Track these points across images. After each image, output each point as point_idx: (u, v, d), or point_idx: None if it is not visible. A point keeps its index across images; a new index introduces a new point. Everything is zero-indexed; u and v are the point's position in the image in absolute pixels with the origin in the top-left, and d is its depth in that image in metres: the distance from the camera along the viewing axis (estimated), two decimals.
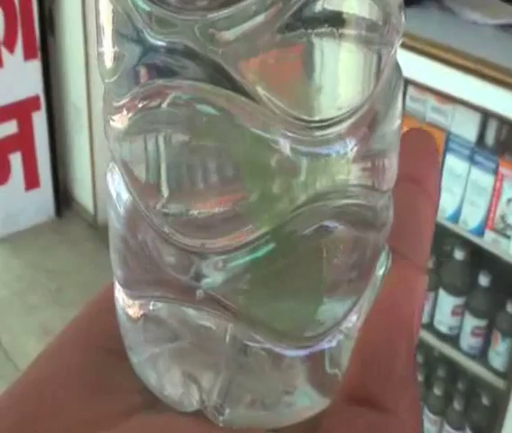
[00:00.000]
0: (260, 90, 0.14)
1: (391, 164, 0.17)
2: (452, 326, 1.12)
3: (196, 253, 0.16)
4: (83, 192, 1.76)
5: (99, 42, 0.16)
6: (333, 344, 0.17)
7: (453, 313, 1.12)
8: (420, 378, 1.16)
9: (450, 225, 1.08)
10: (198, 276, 0.16)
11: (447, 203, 1.06)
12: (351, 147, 0.15)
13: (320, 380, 0.17)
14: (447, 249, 1.12)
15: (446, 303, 1.12)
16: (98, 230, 1.68)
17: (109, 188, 0.18)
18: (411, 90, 1.08)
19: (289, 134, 0.15)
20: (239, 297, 0.16)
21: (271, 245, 0.15)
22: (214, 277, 0.16)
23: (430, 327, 1.14)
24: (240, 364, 0.16)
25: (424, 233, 0.19)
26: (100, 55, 0.16)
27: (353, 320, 0.17)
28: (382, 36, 0.15)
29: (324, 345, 0.17)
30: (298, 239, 0.15)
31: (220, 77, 0.14)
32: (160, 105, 0.15)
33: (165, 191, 0.15)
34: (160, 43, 0.14)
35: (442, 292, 1.12)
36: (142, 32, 0.14)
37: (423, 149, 0.20)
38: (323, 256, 0.16)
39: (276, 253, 0.15)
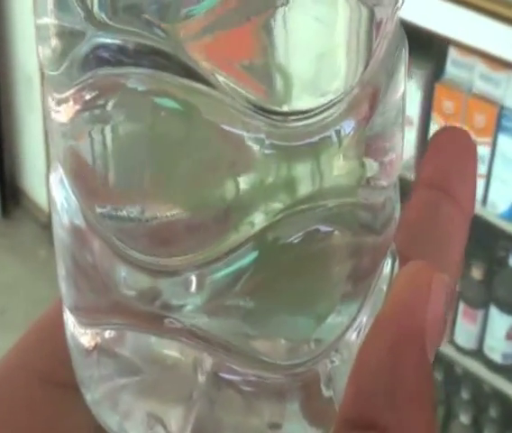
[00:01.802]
0: (219, 77, 0.15)
1: (393, 151, 0.18)
2: (508, 353, 1.13)
3: (158, 271, 0.17)
4: (35, 185, 1.76)
5: (40, 31, 0.17)
6: (329, 367, 0.18)
7: (509, 336, 1.12)
8: (467, 417, 1.17)
9: (504, 224, 1.08)
10: (163, 303, 0.17)
11: (500, 197, 1.07)
12: (342, 136, 0.16)
13: (314, 409, 0.18)
14: (501, 255, 1.13)
15: (499, 324, 1.12)
16: None
17: (53, 192, 0.18)
18: (453, 53, 1.08)
19: (262, 127, 0.15)
20: (214, 320, 0.17)
21: (252, 256, 0.16)
22: (182, 300, 0.17)
23: (478, 354, 1.14)
24: (215, 399, 0.17)
25: (450, 244, 0.20)
26: (42, 43, 0.17)
27: (352, 339, 0.18)
28: None
29: (318, 369, 0.18)
30: (284, 247, 0.16)
31: (177, 66, 0.15)
32: (111, 98, 0.16)
33: (115, 195, 0.16)
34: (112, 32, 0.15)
35: (493, 310, 1.12)
36: (93, 18, 0.15)
37: (457, 152, 0.21)
38: (314, 266, 0.17)
39: (258, 264, 0.16)
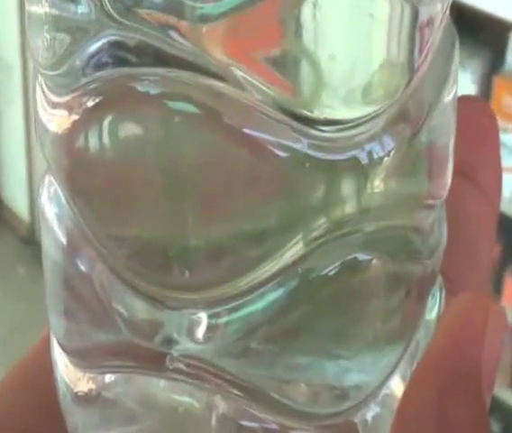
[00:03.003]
0: (243, 75, 0.15)
1: (445, 163, 0.18)
2: None
3: (169, 305, 0.17)
4: (15, 192, 1.78)
5: (33, 20, 0.17)
6: (368, 417, 0.18)
7: None
8: None
9: None
10: (173, 340, 0.17)
11: None
12: (388, 150, 0.17)
13: None
14: None
15: None
16: (37, 247, 1.68)
17: (44, 208, 0.19)
18: None
19: (299, 137, 0.16)
20: (233, 361, 0.17)
21: (280, 291, 0.17)
22: (192, 340, 0.17)
23: None
24: None
25: (479, 245, 0.20)
26: (35, 35, 0.17)
27: (395, 384, 0.18)
28: None
29: (356, 419, 0.18)
30: (318, 280, 0.17)
31: (195, 64, 0.15)
32: (118, 104, 0.16)
33: (125, 216, 0.17)
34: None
35: None
36: (104, 13, 0.16)
37: (476, 126, 0.21)
38: (352, 301, 0.17)
39: (287, 300, 0.17)
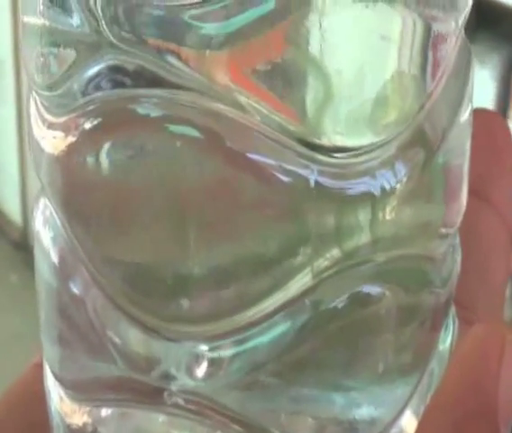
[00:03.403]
0: (246, 99, 0.16)
1: (459, 187, 0.18)
2: None
3: (164, 336, 0.17)
4: (6, 194, 1.78)
5: (28, 32, 0.17)
6: None
7: None
8: None
9: None
10: (166, 375, 0.17)
11: None
12: (400, 177, 0.17)
13: None
14: None
15: None
16: (29, 253, 1.68)
17: (39, 232, 0.19)
18: None
19: (307, 163, 0.16)
20: (236, 396, 0.17)
21: (287, 324, 0.17)
22: (192, 377, 0.17)
23: None
24: None
25: (493, 269, 0.21)
26: (31, 49, 0.17)
27: (407, 420, 0.18)
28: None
29: None
30: (327, 313, 0.17)
31: (196, 86, 0.16)
32: (117, 127, 0.16)
33: (125, 241, 0.17)
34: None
35: None
36: (102, 34, 0.16)
37: (490, 143, 0.21)
38: (362, 334, 0.17)
39: (294, 334, 0.17)
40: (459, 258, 0.19)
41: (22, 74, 1.64)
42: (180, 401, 0.17)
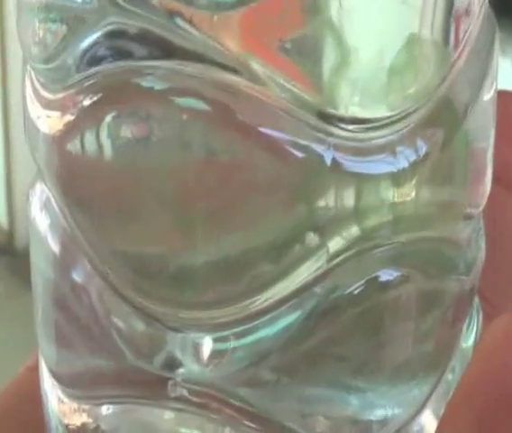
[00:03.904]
0: (258, 67, 0.15)
1: (483, 169, 0.18)
2: None
3: (168, 325, 0.17)
4: None
5: (25, 10, 0.17)
6: None
7: None
8: None
9: None
10: (171, 361, 0.17)
11: None
12: (420, 154, 0.17)
13: None
14: None
15: None
16: (16, 258, 1.67)
17: (35, 218, 0.19)
18: None
19: (324, 137, 0.16)
20: (244, 390, 0.17)
21: (296, 315, 0.17)
22: (198, 361, 0.17)
23: None
24: None
25: None
26: (25, 20, 0.17)
27: (426, 420, 0.18)
28: None
29: None
30: (340, 301, 0.17)
31: (205, 56, 0.16)
32: (119, 103, 0.16)
33: (123, 225, 0.17)
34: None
35: None
36: None
37: (507, 122, 0.21)
38: (379, 324, 0.17)
39: (303, 325, 0.17)
40: (483, 245, 0.19)
41: (9, 73, 1.64)
42: (185, 393, 0.17)
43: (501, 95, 0.20)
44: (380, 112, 0.16)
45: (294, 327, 0.17)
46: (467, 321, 0.19)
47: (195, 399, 0.18)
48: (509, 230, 0.21)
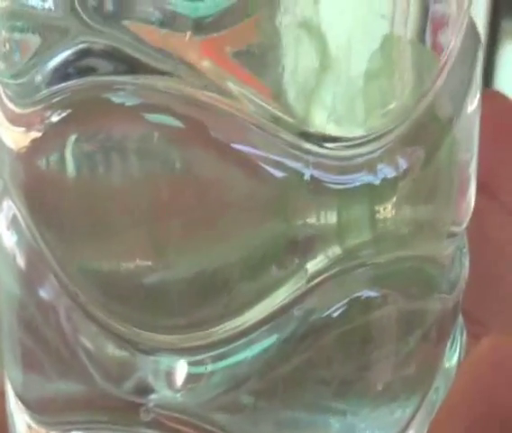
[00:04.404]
0: (231, 84, 0.15)
1: (467, 183, 0.18)
2: None
3: (139, 348, 0.17)
4: None
5: None
6: None
7: None
8: None
9: None
10: (143, 386, 0.17)
11: None
12: (401, 171, 0.16)
13: None
14: None
15: None
16: None
17: (1, 236, 0.18)
18: None
19: (301, 155, 0.16)
20: (220, 416, 0.17)
21: (274, 338, 0.16)
22: (171, 387, 0.17)
23: None
24: None
25: (504, 277, 0.20)
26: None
27: None
28: None
29: None
30: (319, 323, 0.16)
31: (175, 71, 0.15)
32: (88, 119, 0.16)
33: (99, 245, 0.17)
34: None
35: None
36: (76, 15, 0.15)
37: (500, 132, 0.20)
38: (359, 347, 0.17)
39: (282, 348, 0.16)
40: (467, 262, 0.19)
41: None
42: (159, 419, 0.17)
43: (487, 95, 0.19)
44: (358, 131, 0.16)
45: (272, 351, 0.16)
46: (450, 340, 0.19)
47: (168, 424, 0.17)
48: (494, 242, 0.21)
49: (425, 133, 0.17)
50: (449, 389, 0.18)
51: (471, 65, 0.18)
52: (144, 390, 0.17)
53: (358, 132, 0.16)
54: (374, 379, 0.17)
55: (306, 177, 0.16)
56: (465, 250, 0.19)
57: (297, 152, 0.16)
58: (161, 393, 0.17)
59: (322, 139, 0.16)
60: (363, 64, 0.16)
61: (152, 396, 0.17)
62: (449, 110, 0.17)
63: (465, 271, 0.19)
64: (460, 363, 0.19)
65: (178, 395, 0.17)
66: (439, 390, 0.19)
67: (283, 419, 0.17)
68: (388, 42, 0.16)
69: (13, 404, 0.19)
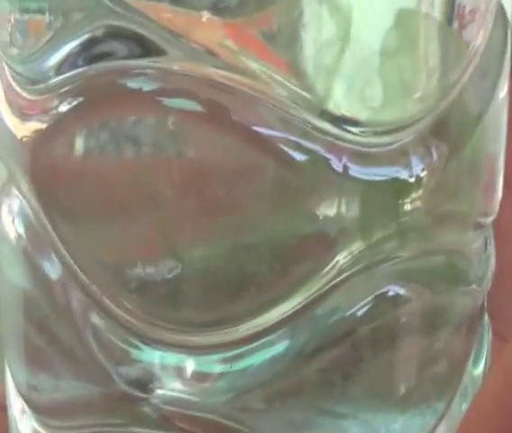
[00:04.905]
0: (253, 64, 0.15)
1: (496, 173, 0.18)
2: None
3: (147, 343, 0.16)
4: None
5: (4, 7, 0.17)
6: None
7: None
8: None
9: None
10: (149, 377, 0.17)
11: None
12: (429, 163, 0.16)
13: None
14: None
15: None
16: None
17: (4, 226, 0.18)
18: None
19: (327, 140, 0.15)
20: (226, 414, 0.16)
21: (288, 341, 0.16)
22: (179, 377, 0.16)
23: None
24: None
25: None
26: (6, 29, 0.17)
27: None
28: None
29: None
30: (342, 323, 0.16)
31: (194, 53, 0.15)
32: (102, 107, 0.16)
33: (103, 236, 0.16)
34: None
35: None
36: None
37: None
38: (381, 348, 0.17)
39: (303, 349, 0.16)
40: (493, 256, 0.19)
41: None
42: (162, 413, 0.17)
43: None
44: (388, 115, 0.16)
45: (287, 356, 0.16)
46: (477, 344, 0.19)
47: (177, 424, 0.17)
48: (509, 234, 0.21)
49: (456, 122, 0.17)
50: (478, 395, 0.17)
51: (501, 54, 0.18)
52: (151, 380, 0.17)
53: (387, 117, 0.16)
54: (397, 383, 0.17)
55: (334, 163, 0.15)
56: (492, 243, 0.19)
57: (324, 137, 0.15)
58: (169, 383, 0.17)
59: (350, 123, 0.15)
60: (395, 51, 0.16)
61: (158, 391, 0.17)
62: (479, 100, 0.17)
63: (492, 265, 0.19)
64: (488, 364, 0.19)
65: (187, 387, 0.17)
66: (467, 395, 0.18)
67: (297, 423, 0.17)
68: (414, 21, 0.16)
69: (17, 409, 0.19)
